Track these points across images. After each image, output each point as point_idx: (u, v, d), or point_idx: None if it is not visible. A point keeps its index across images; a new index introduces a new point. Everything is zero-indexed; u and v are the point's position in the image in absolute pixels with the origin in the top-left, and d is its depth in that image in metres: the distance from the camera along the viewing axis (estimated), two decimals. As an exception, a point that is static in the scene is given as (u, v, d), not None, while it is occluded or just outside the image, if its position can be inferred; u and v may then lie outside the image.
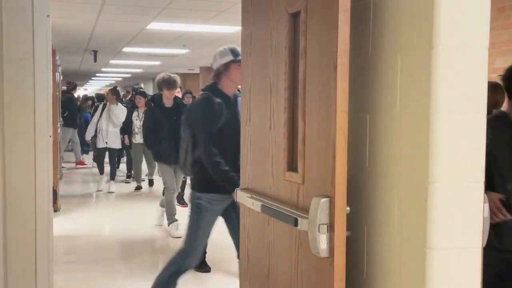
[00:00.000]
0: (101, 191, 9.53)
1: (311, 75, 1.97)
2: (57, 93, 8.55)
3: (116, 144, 9.67)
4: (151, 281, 4.93)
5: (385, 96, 1.87)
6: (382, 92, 1.89)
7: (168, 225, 6.46)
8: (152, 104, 6.45)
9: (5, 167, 2.93)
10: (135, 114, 9.36)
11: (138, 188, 9.75)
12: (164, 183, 6.49)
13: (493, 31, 4.62)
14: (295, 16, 2.10)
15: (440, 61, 1.61)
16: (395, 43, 1.82)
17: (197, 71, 18.13)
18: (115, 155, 9.95)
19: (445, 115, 1.63)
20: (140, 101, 9.33)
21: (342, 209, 1.79)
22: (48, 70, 3.02)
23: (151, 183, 10.03)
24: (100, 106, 9.74)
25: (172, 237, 6.31)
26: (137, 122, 9.29)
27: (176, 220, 6.42)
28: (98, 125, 9.57)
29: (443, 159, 1.63)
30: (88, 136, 9.92)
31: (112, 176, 9.67)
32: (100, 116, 9.56)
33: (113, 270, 5.32)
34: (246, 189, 2.53)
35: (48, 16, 3.02)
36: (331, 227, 1.81)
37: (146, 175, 10.19)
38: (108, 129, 9.53)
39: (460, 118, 1.65)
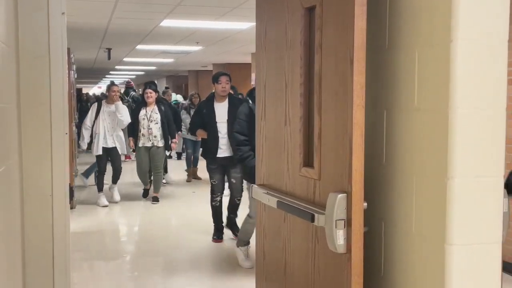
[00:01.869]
0: (106, 205, 7.85)
1: (327, 70, 1.95)
2: (72, 91, 8.56)
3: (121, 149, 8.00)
4: (166, 278, 4.95)
5: (402, 91, 1.85)
6: (399, 87, 1.87)
7: (237, 246, 5.12)
8: (250, 101, 4.75)
9: (22, 164, 2.95)
10: (142, 112, 7.85)
11: (156, 199, 8.14)
12: (250, 209, 4.84)
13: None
14: (310, 10, 2.08)
15: (459, 55, 1.59)
16: (412, 37, 1.80)
17: (210, 68, 18.14)
18: (120, 161, 8.17)
19: (464, 110, 1.61)
20: (151, 97, 7.84)
21: (359, 204, 1.78)
22: (63, 68, 3.03)
23: (155, 199, 8.12)
24: (94, 107, 7.95)
25: (245, 267, 4.95)
26: (145, 122, 7.80)
27: (248, 244, 5.05)
28: (94, 129, 7.78)
29: (462, 154, 1.61)
30: (84, 143, 7.96)
31: (114, 179, 8.12)
32: (96, 118, 7.78)
33: (129, 266, 5.35)
34: (261, 185, 2.53)
35: (63, 13, 3.03)
36: (348, 223, 1.80)
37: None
38: (110, 132, 7.80)
39: (479, 113, 1.63)
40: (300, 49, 2.13)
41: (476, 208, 1.63)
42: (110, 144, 7.81)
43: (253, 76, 13.53)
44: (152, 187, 8.34)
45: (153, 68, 19.63)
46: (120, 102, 7.81)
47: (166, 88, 11.43)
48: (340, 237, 1.80)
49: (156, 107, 7.93)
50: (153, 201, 8.11)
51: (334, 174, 1.91)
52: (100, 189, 7.92)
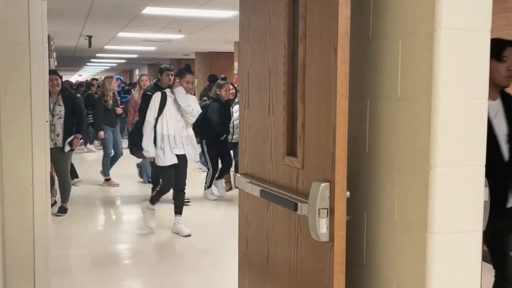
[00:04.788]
0: (189, 235, 5.84)
1: (311, 59, 1.95)
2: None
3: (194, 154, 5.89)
4: (152, 268, 4.94)
5: (386, 80, 1.86)
6: (382, 77, 1.88)
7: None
8: None
9: (2, 152, 2.91)
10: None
11: (63, 210, 6.72)
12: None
13: (492, 15, 4.59)
14: (294, -1, 2.07)
15: (442, 45, 1.60)
16: (396, 26, 1.80)
17: (193, 56, 18.05)
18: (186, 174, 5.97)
19: (446, 100, 1.62)
20: (58, 84, 6.39)
21: (342, 193, 1.78)
22: (44, 55, 2.99)
23: (62, 210, 6.72)
24: (157, 98, 5.64)
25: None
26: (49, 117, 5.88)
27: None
28: (158, 129, 5.61)
29: (444, 143, 1.63)
30: (151, 149, 5.60)
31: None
32: (159, 114, 5.61)
33: (111, 257, 5.33)
34: (245, 174, 2.52)
35: (43, 0, 2.98)
36: (331, 212, 1.80)
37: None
38: (180, 134, 5.68)
39: (461, 102, 1.64)
40: (284, 38, 2.12)
41: (458, 197, 1.65)
42: (179, 150, 5.69)
43: (236, 65, 13.49)
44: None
45: (135, 56, 19.47)
46: (181, 88, 5.68)
47: (223, 78, 8.43)
48: (322, 226, 1.80)
49: (60, 98, 6.44)
50: (58, 212, 6.64)
51: (317, 163, 1.91)
52: (178, 211, 5.91)
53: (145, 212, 5.95)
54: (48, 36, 6.21)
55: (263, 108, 2.33)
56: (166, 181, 5.76)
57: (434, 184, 1.63)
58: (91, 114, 9.19)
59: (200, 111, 5.91)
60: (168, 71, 6.81)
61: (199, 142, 7.26)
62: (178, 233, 5.83)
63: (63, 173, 6.60)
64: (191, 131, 5.79)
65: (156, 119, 5.57)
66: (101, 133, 8.60)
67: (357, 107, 2.01)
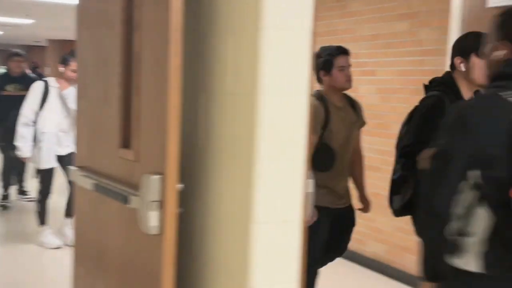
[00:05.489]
0: (59, 247, 4.89)
1: (146, 50, 1.93)
2: None
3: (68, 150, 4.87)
4: None
5: (219, 75, 1.90)
6: (216, 72, 1.91)
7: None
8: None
9: None
10: None
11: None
12: None
13: (331, 19, 4.91)
14: (131, -12, 2.03)
15: (265, 43, 1.67)
16: (227, 23, 1.84)
17: (45, 43, 17.01)
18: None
19: (269, 96, 1.69)
20: None
21: (173, 186, 1.79)
22: None
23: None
24: (39, 90, 4.77)
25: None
26: None
27: None
28: (38, 125, 4.77)
29: (267, 138, 1.70)
30: (27, 149, 4.75)
31: (69, 209, 4.89)
32: (41, 108, 4.76)
33: None
34: (81, 167, 2.43)
35: None
36: (162, 205, 1.80)
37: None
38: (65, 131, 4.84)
39: (283, 98, 1.72)
40: (120, 27, 2.07)
41: (279, 189, 1.73)
42: (64, 150, 4.83)
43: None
44: None
45: (-21, 40, 17.86)
46: (73, 88, 4.69)
47: None
48: (153, 218, 1.80)
49: None
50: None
51: (151, 156, 1.89)
52: (44, 221, 4.97)
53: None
54: None
55: (99, 98, 2.26)
56: (44, 184, 4.82)
57: (258, 177, 1.70)
58: None
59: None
60: (16, 56, 6.26)
61: None
62: (44, 245, 4.91)
63: None
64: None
65: (37, 113, 4.71)
66: None
67: (194, 101, 2.03)
